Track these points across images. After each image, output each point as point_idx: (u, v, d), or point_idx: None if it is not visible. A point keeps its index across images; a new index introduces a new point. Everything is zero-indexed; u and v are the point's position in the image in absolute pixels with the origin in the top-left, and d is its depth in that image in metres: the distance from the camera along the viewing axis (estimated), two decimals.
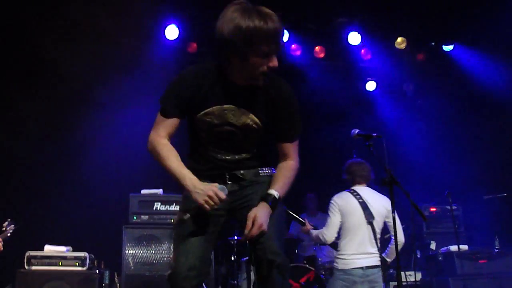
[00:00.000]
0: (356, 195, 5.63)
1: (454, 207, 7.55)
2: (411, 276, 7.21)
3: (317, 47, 9.03)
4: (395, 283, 7.04)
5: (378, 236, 5.62)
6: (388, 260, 5.64)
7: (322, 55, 9.08)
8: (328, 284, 6.00)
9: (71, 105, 7.97)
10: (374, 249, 5.52)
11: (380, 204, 5.64)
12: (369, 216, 5.54)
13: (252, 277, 6.76)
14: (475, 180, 8.01)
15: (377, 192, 5.78)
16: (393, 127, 9.20)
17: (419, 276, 7.29)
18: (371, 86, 9.37)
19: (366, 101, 9.41)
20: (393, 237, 5.57)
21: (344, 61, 9.24)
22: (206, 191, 3.28)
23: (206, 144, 3.54)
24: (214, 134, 3.50)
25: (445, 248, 7.13)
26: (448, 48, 9.16)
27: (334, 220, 5.59)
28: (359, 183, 5.73)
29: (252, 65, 3.32)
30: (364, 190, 5.69)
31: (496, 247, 6.99)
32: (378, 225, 5.60)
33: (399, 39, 9.04)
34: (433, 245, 7.53)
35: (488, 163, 8.32)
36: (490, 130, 8.57)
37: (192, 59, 8.95)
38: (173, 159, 3.43)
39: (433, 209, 7.83)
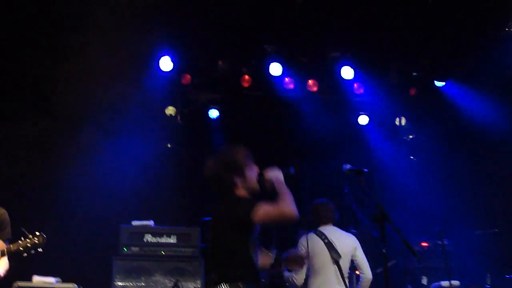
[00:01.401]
0: (322, 235, 5.73)
1: (445, 242, 7.54)
2: None
3: (310, 81, 9.08)
4: None
5: (346, 274, 5.73)
6: None
7: (315, 88, 9.12)
8: None
9: (64, 134, 7.96)
10: (342, 287, 5.61)
11: (345, 242, 5.80)
12: (335, 256, 5.66)
13: None
14: (467, 215, 8.02)
15: (342, 231, 5.94)
16: (386, 162, 9.21)
17: None
18: (363, 120, 9.40)
19: (359, 136, 9.42)
20: (362, 275, 5.67)
21: (337, 95, 9.27)
22: None
23: None
24: None
25: (437, 283, 7.11)
26: (440, 84, 9.22)
27: None
28: (325, 223, 5.83)
29: None
30: (329, 230, 5.80)
31: (488, 283, 7.00)
32: (344, 263, 5.72)
33: (391, 73, 9.08)
34: (424, 280, 7.52)
35: (479, 199, 8.33)
36: (481, 166, 8.60)
37: (186, 90, 9.03)
38: None
39: (424, 244, 7.82)
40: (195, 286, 6.73)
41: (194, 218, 7.56)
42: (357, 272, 6.07)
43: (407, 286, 7.67)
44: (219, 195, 4.18)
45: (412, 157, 9.07)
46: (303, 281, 5.76)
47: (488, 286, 6.98)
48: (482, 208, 8.23)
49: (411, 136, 9.27)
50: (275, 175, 4.21)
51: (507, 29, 8.32)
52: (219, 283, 3.88)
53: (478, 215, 8.07)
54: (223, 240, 4.02)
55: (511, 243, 7.88)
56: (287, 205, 3.92)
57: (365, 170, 4.71)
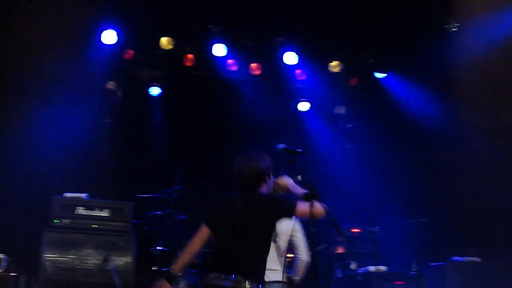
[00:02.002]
0: None
1: (375, 229, 7.75)
2: None
3: (253, 64, 9.11)
4: None
5: (283, 253, 5.70)
6: (296, 278, 5.75)
7: (258, 72, 9.17)
8: None
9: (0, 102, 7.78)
10: (278, 266, 5.59)
11: (285, 223, 5.75)
12: (273, 235, 5.63)
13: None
14: (398, 204, 8.22)
15: None
16: (323, 149, 9.36)
17: None
18: (304, 106, 9.50)
19: (298, 122, 9.53)
20: (298, 256, 5.69)
21: (279, 80, 9.34)
22: None
23: None
24: None
25: (364, 268, 7.26)
26: (381, 75, 9.41)
27: None
28: None
29: None
30: None
31: (413, 270, 7.18)
32: (282, 243, 5.69)
33: (334, 63, 9.24)
34: (353, 265, 7.67)
35: (411, 189, 8.55)
36: (414, 157, 8.81)
37: (128, 65, 8.93)
38: None
39: (355, 230, 7.98)
40: (126, 260, 6.68)
41: (128, 193, 7.51)
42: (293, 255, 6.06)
43: (336, 270, 7.83)
44: (250, 191, 4.62)
45: (348, 145, 9.21)
46: None
47: (413, 272, 7.16)
48: (413, 198, 8.45)
49: (349, 125, 9.41)
50: (288, 181, 4.79)
51: (446, 26, 8.56)
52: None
53: (409, 204, 8.29)
54: (258, 231, 4.50)
55: (437, 232, 8.16)
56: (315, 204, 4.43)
57: (299, 150, 4.75)
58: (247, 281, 4.31)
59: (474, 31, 8.17)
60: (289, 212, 4.51)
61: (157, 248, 7.21)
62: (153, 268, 7.22)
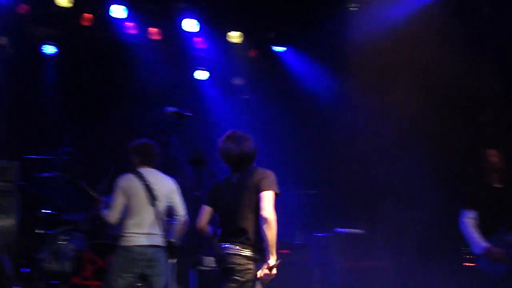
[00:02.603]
0: (140, 177, 5.69)
1: None
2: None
3: (152, 29, 8.97)
4: (202, 267, 7.23)
5: (163, 217, 5.71)
6: (174, 240, 5.76)
7: (157, 37, 9.03)
8: (110, 262, 5.94)
9: None
10: (157, 230, 5.61)
11: (164, 185, 5.76)
12: (152, 198, 5.63)
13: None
14: (288, 176, 8.33)
15: (162, 174, 5.85)
16: (219, 118, 9.37)
17: None
18: (202, 75, 9.46)
19: (196, 89, 9.49)
20: (177, 217, 5.71)
21: (178, 47, 9.25)
22: None
23: None
24: None
25: None
26: (279, 49, 9.51)
27: (116, 202, 5.63)
28: (146, 165, 5.80)
29: None
30: (149, 172, 5.76)
31: (298, 239, 7.37)
32: (161, 206, 5.70)
33: (234, 33, 9.25)
34: None
35: (301, 162, 8.75)
36: (307, 131, 9.01)
37: (22, 21, 8.56)
38: None
39: None
40: (10, 222, 6.50)
41: (15, 153, 7.26)
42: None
43: None
44: (244, 167, 4.85)
45: (244, 116, 9.27)
46: (115, 219, 5.68)
47: (298, 242, 7.36)
48: (303, 170, 8.66)
49: (246, 96, 9.46)
50: None
51: (346, 5, 8.75)
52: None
53: (299, 177, 8.46)
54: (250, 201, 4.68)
55: (323, 204, 8.41)
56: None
57: (187, 113, 4.76)
58: (245, 249, 4.58)
59: (371, 13, 8.40)
60: (262, 189, 4.67)
61: (43, 211, 7.03)
62: (38, 231, 7.05)
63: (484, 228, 6.80)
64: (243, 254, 4.59)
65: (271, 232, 4.64)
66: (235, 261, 4.57)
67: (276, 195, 4.77)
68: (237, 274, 4.56)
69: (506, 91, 7.98)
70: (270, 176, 4.78)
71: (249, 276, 4.57)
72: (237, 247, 4.59)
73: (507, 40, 7.86)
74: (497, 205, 6.86)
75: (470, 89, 7.84)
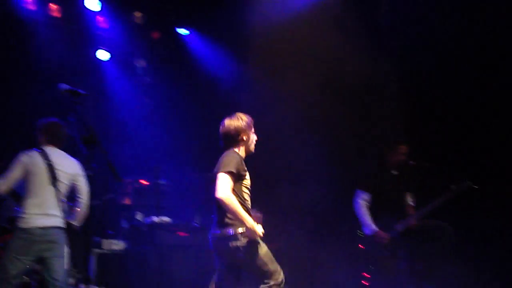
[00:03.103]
0: (44, 155, 5.58)
1: (163, 182, 7.89)
2: (115, 244, 7.37)
3: (52, 5, 8.69)
4: (100, 250, 7.18)
5: (64, 198, 5.64)
6: (75, 223, 5.69)
7: (57, 14, 8.75)
8: (8, 243, 5.79)
9: None
10: (57, 211, 5.53)
11: (68, 167, 5.69)
12: (53, 178, 5.55)
13: None
14: (188, 159, 8.40)
15: (67, 155, 5.79)
16: (120, 100, 9.26)
17: (122, 245, 7.52)
18: (104, 55, 9.28)
19: (97, 70, 9.29)
20: (80, 200, 5.64)
21: (79, 25, 8.99)
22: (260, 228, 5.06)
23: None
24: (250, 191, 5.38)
25: (149, 218, 7.37)
26: (183, 31, 9.46)
27: (12, 174, 5.51)
28: (52, 144, 5.69)
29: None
30: (54, 152, 5.67)
31: (196, 222, 7.42)
32: (64, 187, 5.62)
33: (137, 14, 9.11)
34: (139, 216, 7.75)
35: (201, 145, 8.74)
36: (208, 116, 8.86)
37: None
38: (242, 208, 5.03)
39: (144, 182, 8.04)
40: None
41: None
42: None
43: (123, 221, 7.86)
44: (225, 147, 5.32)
45: (146, 98, 9.19)
46: (5, 190, 5.53)
47: (196, 225, 7.39)
48: (201, 154, 8.61)
49: (148, 78, 9.36)
50: None
51: None
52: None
53: (198, 160, 8.48)
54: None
55: None
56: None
57: (81, 92, 4.69)
58: (222, 229, 5.06)
59: None
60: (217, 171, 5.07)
61: None
62: None
63: (376, 211, 7.13)
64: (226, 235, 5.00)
65: (228, 209, 4.97)
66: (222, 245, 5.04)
67: (232, 174, 5.05)
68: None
69: (401, 80, 8.34)
70: (223, 158, 5.16)
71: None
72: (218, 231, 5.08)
73: (403, 31, 8.18)
74: (391, 191, 7.20)
75: (366, 78, 8.12)
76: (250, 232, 4.99)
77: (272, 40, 8.30)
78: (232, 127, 5.30)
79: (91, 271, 7.05)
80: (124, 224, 7.80)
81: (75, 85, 5.26)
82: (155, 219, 7.17)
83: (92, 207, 6.27)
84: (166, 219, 7.31)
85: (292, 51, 8.10)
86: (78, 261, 6.15)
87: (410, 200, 7.35)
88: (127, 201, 8.00)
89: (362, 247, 7.22)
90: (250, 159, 8.55)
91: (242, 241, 5.01)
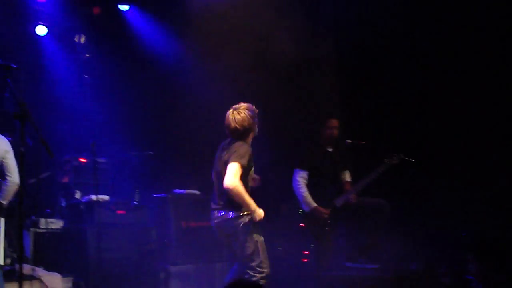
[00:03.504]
0: None
1: (103, 160, 7.81)
2: (53, 223, 7.26)
3: None
4: (36, 230, 7.05)
5: None
6: (4, 201, 5.58)
7: None
8: None
9: None
10: None
11: None
12: None
13: None
14: (128, 136, 8.32)
15: None
16: (59, 76, 9.08)
17: (61, 223, 7.41)
18: (41, 30, 9.03)
19: (34, 45, 9.05)
20: (9, 178, 5.52)
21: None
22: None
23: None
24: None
25: (87, 197, 7.28)
26: (123, 7, 9.31)
27: None
28: None
29: None
30: None
31: (136, 200, 7.36)
32: None
33: None
34: (78, 195, 7.65)
35: (141, 123, 8.71)
36: (149, 93, 8.95)
37: None
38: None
39: (82, 160, 7.93)
40: None
41: None
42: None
43: (61, 199, 7.75)
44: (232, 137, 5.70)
45: (85, 75, 9.01)
46: None
47: (135, 203, 7.35)
48: (142, 131, 8.65)
49: (87, 55, 9.17)
50: None
51: None
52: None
53: (138, 137, 8.46)
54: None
55: (162, 165, 8.49)
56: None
57: (13, 65, 4.58)
58: (226, 211, 5.54)
59: None
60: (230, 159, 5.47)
61: None
62: None
63: (314, 188, 7.23)
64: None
65: (235, 196, 5.41)
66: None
67: (243, 166, 5.46)
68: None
69: (337, 57, 8.43)
70: (238, 148, 5.54)
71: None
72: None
73: (340, 10, 8.26)
74: (328, 168, 7.32)
75: (303, 55, 8.13)
76: (254, 215, 5.47)
77: (210, 17, 8.28)
78: (239, 125, 5.63)
79: (28, 250, 6.93)
80: (62, 202, 7.69)
81: (9, 59, 5.17)
82: (94, 197, 7.05)
83: (27, 186, 6.17)
84: (104, 197, 7.22)
85: (230, 29, 8.09)
86: (13, 240, 6.06)
87: (347, 177, 7.50)
88: (65, 179, 7.87)
89: (302, 225, 7.31)
90: (190, 137, 8.61)
91: (246, 222, 5.48)
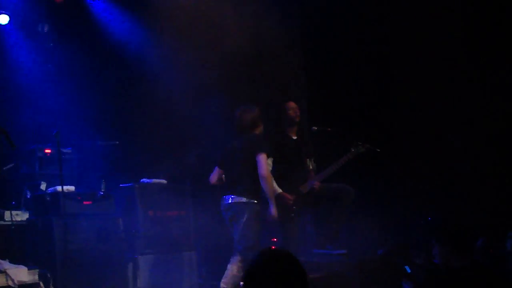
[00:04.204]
0: None
1: (68, 150, 7.72)
2: (18, 215, 7.16)
3: None
4: (1, 222, 6.98)
5: None
6: None
7: None
8: None
9: None
10: None
11: None
12: None
13: None
14: (93, 126, 8.22)
15: None
16: (22, 66, 8.91)
17: (26, 216, 7.32)
18: (3, 19, 8.85)
19: None
20: None
21: None
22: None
23: None
24: None
25: (52, 188, 7.20)
26: None
27: None
28: None
29: None
30: None
31: (102, 190, 7.30)
32: None
33: None
34: (43, 186, 7.55)
35: (107, 112, 8.60)
36: (115, 83, 8.82)
37: None
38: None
39: (47, 151, 7.82)
40: None
41: None
42: None
43: (26, 191, 7.65)
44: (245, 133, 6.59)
45: (49, 64, 8.86)
46: None
47: (101, 193, 7.28)
48: (108, 121, 8.55)
49: (49, 43, 9.03)
50: None
51: None
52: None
53: (104, 127, 8.37)
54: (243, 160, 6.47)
55: (128, 155, 8.42)
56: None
57: None
58: (239, 197, 6.35)
59: None
60: (256, 151, 6.36)
61: None
62: None
63: (279, 176, 7.21)
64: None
65: (266, 186, 6.38)
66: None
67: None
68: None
69: (303, 44, 8.40)
70: (259, 139, 6.52)
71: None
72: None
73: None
74: (292, 155, 7.33)
75: (269, 42, 8.16)
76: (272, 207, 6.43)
77: (174, 7, 8.21)
78: (248, 120, 6.60)
79: None
80: (27, 194, 7.57)
81: None
82: (59, 188, 6.92)
83: None
84: (70, 188, 7.11)
85: (194, 18, 8.07)
86: None
87: (311, 165, 7.52)
88: (29, 171, 7.76)
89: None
90: (157, 125, 8.52)
91: (255, 209, 6.34)
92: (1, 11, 8.78)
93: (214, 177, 6.84)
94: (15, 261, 6.61)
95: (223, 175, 6.77)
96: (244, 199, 6.34)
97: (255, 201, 6.36)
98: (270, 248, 3.34)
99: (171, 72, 8.27)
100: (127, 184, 7.59)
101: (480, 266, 4.48)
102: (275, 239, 7.30)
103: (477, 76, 7.39)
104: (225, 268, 6.55)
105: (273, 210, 6.42)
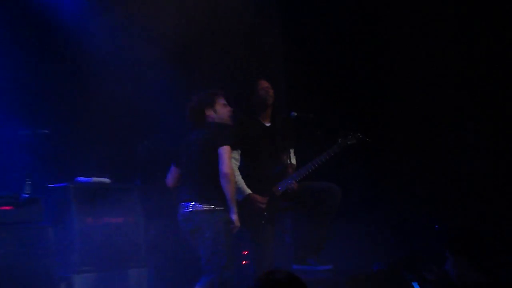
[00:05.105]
0: None
1: None
2: None
3: None
4: None
5: None
6: None
7: None
8: None
9: None
10: None
11: None
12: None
13: None
14: (15, 112, 7.07)
15: None
16: None
17: None
18: None
19: None
20: None
21: None
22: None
23: None
24: None
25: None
26: None
27: None
28: None
29: None
30: None
31: (26, 192, 6.24)
32: None
33: None
34: None
35: (35, 94, 7.40)
36: (45, 56, 7.62)
37: None
38: None
39: None
40: None
41: None
42: None
43: None
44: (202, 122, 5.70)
45: None
46: None
47: (26, 196, 6.23)
48: (34, 105, 7.36)
49: None
50: None
51: None
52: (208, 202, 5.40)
53: (29, 111, 7.19)
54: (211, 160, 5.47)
55: (61, 146, 7.27)
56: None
57: None
58: (200, 204, 5.42)
59: None
60: (217, 142, 5.45)
61: None
62: None
63: (248, 172, 6.32)
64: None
65: (228, 186, 5.40)
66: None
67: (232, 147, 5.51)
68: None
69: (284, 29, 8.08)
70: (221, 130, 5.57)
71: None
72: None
73: None
74: (265, 146, 6.55)
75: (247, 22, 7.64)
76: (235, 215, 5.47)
77: None
78: (204, 106, 5.76)
79: None
80: None
81: None
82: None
83: None
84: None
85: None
86: None
87: (289, 160, 6.59)
88: None
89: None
90: (98, 110, 7.44)
91: (224, 219, 5.40)
92: None
93: (171, 179, 5.91)
94: None
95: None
96: (208, 207, 5.43)
97: (222, 208, 5.44)
98: (266, 274, 3.02)
99: (115, 44, 7.29)
100: (59, 184, 6.60)
101: (502, 283, 4.22)
102: (246, 252, 6.27)
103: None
104: None
105: (235, 217, 5.46)
